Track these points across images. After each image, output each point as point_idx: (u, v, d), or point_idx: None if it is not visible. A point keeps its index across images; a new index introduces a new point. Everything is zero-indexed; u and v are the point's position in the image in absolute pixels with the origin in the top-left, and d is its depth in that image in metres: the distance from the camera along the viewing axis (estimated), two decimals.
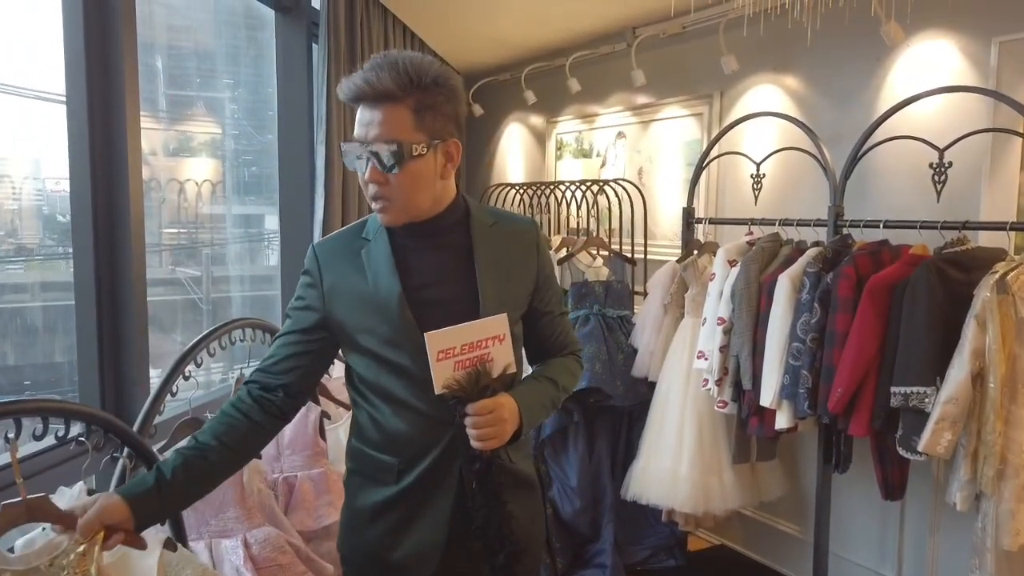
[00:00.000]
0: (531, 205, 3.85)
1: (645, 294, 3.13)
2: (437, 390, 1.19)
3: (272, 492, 1.91)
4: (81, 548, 1.08)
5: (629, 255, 3.35)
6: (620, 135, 3.80)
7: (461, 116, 1.29)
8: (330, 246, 1.36)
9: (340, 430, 2.19)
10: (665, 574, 3.01)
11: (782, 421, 2.32)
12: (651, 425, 2.80)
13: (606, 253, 3.27)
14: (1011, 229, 2.01)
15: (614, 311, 3.06)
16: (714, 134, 3.06)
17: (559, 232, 3.88)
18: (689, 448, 2.66)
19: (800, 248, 2.47)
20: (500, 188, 4.15)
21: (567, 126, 4.14)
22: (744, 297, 2.44)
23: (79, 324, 1.92)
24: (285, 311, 1.40)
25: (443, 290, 1.30)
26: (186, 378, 1.79)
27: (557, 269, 3.11)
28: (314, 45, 2.93)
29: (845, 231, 2.41)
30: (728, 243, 2.73)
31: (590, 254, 3.25)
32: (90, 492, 1.29)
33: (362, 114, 1.22)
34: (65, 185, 1.92)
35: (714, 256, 2.68)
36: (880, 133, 2.33)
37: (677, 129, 3.48)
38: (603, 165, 3.91)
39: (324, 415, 2.15)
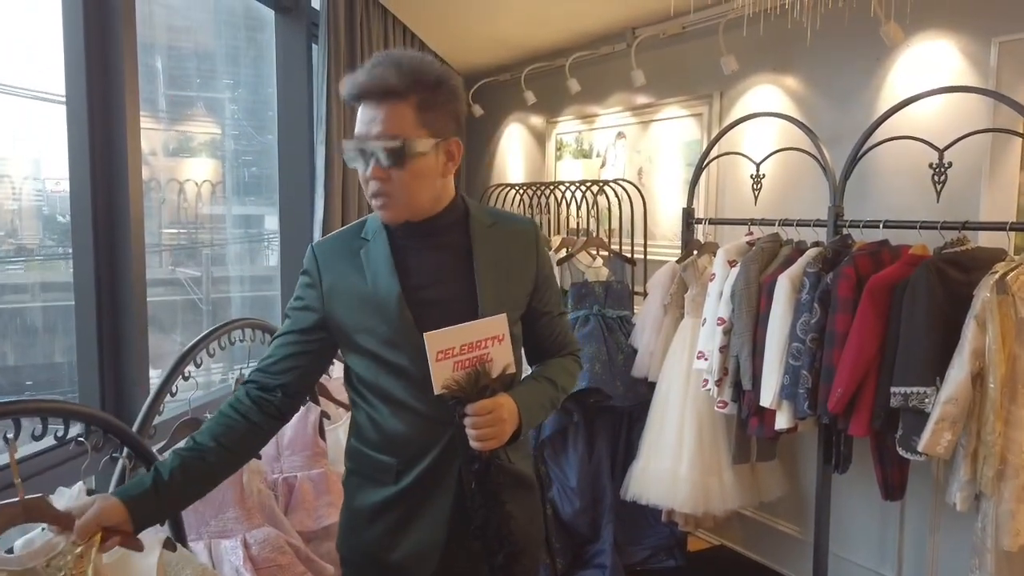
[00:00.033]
0: (531, 205, 3.85)
1: (645, 294, 3.13)
2: (436, 390, 1.19)
3: (272, 492, 1.91)
4: (78, 550, 1.08)
5: (629, 255, 3.35)
6: (620, 135, 3.81)
7: (462, 115, 1.30)
8: (329, 246, 1.36)
9: (340, 430, 2.19)
10: (665, 574, 3.01)
11: (782, 421, 2.32)
12: (651, 425, 2.80)
13: (606, 253, 3.26)
14: (1011, 229, 2.01)
15: (614, 311, 3.06)
16: (714, 134, 3.06)
17: (559, 232, 3.88)
18: (689, 448, 2.66)
19: (800, 248, 2.47)
20: (500, 188, 4.15)
21: (567, 126, 4.14)
22: (744, 297, 2.44)
23: (79, 324, 1.92)
24: (284, 311, 1.40)
25: (442, 290, 1.30)
26: (185, 378, 1.79)
27: (557, 269, 3.11)
28: (314, 45, 2.93)
29: (845, 231, 2.41)
30: (728, 243, 2.72)
31: (590, 254, 3.25)
32: (89, 492, 1.29)
33: (364, 111, 1.22)
34: (65, 185, 1.92)
35: (714, 256, 2.68)
36: (880, 133, 2.33)
37: (677, 129, 3.48)
38: (603, 165, 3.91)
39: (324, 415, 2.15)
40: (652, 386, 2.87)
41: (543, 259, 1.43)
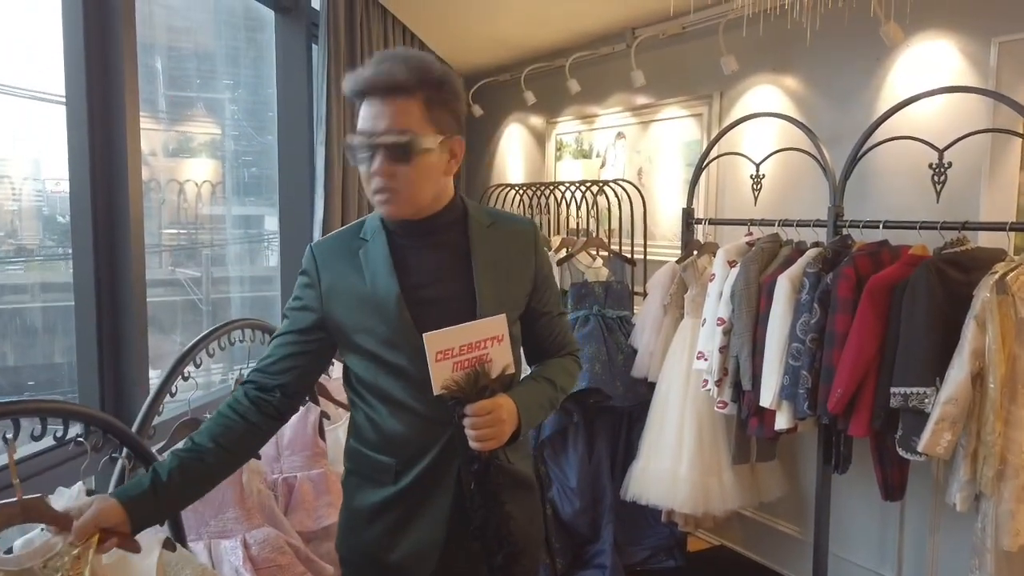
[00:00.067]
0: (531, 206, 3.85)
1: (645, 295, 3.13)
2: (436, 391, 1.19)
3: (272, 493, 1.91)
4: (75, 551, 1.07)
5: (629, 256, 3.35)
6: (620, 136, 3.81)
7: (463, 115, 1.30)
8: (328, 246, 1.36)
9: (340, 430, 2.19)
10: (665, 575, 3.01)
11: (782, 422, 2.32)
12: (651, 426, 2.80)
13: (606, 254, 3.26)
14: (1011, 229, 2.01)
15: (614, 312, 3.06)
16: (714, 135, 3.06)
17: (559, 233, 3.88)
18: (689, 449, 2.66)
19: (800, 249, 2.47)
20: (500, 189, 4.15)
21: (567, 127, 4.14)
22: (744, 298, 2.43)
23: (78, 325, 1.92)
24: (283, 311, 1.40)
25: (440, 290, 1.30)
26: (185, 378, 1.79)
27: (557, 270, 3.11)
28: (314, 46, 2.94)
29: (845, 231, 2.41)
30: (728, 244, 2.72)
31: (590, 255, 3.25)
32: (89, 493, 1.29)
33: (370, 107, 1.22)
34: (65, 186, 1.92)
35: (714, 257, 2.68)
36: (880, 133, 2.33)
37: (677, 130, 3.48)
38: (603, 166, 3.91)
39: (324, 415, 2.15)
40: (652, 386, 2.87)
41: (542, 259, 1.42)
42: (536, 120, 4.36)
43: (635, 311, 3.17)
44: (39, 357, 2.45)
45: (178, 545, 1.35)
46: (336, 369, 2.22)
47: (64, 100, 1.86)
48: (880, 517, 2.69)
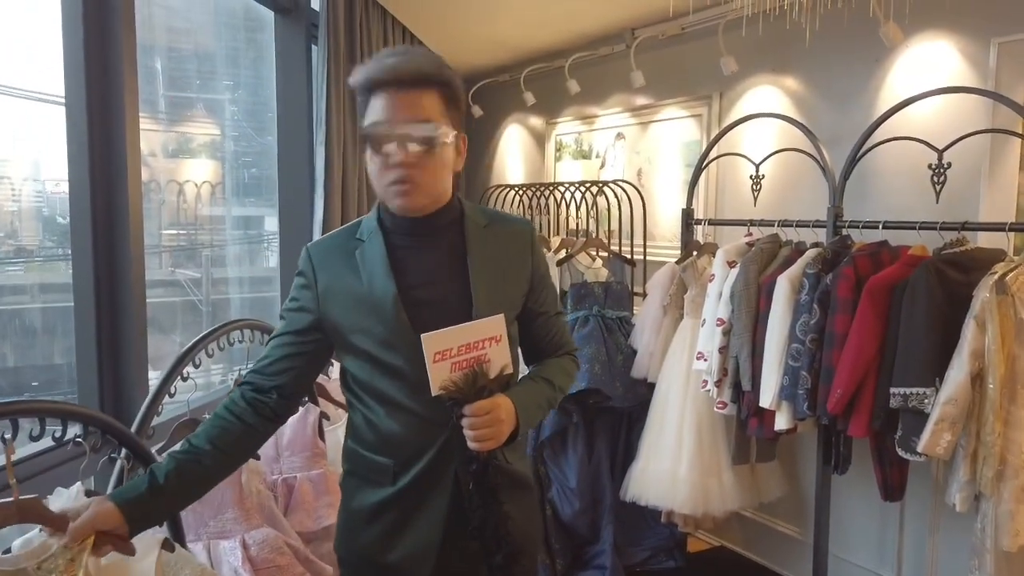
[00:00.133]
0: (530, 206, 3.85)
1: (644, 295, 3.13)
2: (434, 391, 1.19)
3: (271, 493, 1.91)
4: (70, 554, 1.07)
5: (628, 256, 3.35)
6: (619, 136, 3.81)
7: (464, 114, 1.32)
8: (324, 247, 1.36)
9: (339, 431, 2.19)
10: (665, 575, 3.01)
11: (781, 422, 2.32)
12: (650, 426, 2.80)
13: (605, 254, 3.26)
14: (1010, 230, 2.01)
15: (613, 312, 3.06)
16: (713, 135, 3.06)
17: (559, 233, 3.88)
18: (688, 449, 2.66)
19: (799, 249, 2.47)
20: (499, 189, 4.15)
21: (566, 127, 4.14)
22: (743, 298, 2.43)
23: (78, 326, 1.91)
24: (280, 312, 1.40)
25: (436, 290, 1.30)
26: (184, 379, 1.78)
27: (557, 271, 3.11)
28: (313, 46, 2.94)
29: (844, 232, 2.41)
30: (727, 244, 2.72)
31: (589, 255, 3.25)
32: (88, 493, 1.29)
33: (392, 97, 1.21)
34: (65, 187, 1.91)
35: (713, 257, 2.68)
36: (879, 134, 2.33)
37: (676, 130, 3.49)
38: (602, 166, 3.92)
39: (323, 416, 2.15)
40: (652, 387, 2.87)
41: (539, 259, 1.43)
42: (536, 121, 4.36)
43: (635, 312, 3.17)
44: (39, 358, 2.45)
45: (177, 545, 1.35)
46: (335, 370, 2.22)
47: (64, 101, 1.86)
48: (880, 517, 2.69)
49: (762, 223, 2.64)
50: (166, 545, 1.28)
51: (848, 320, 2.14)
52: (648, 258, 3.42)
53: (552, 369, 1.44)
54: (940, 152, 2.16)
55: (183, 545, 1.52)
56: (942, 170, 2.16)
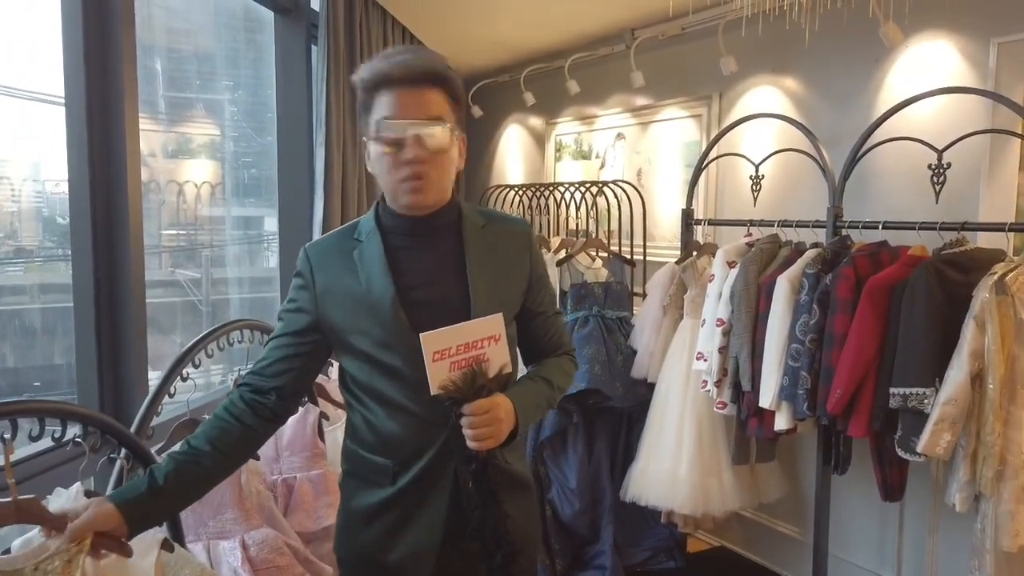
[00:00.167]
0: (530, 207, 3.85)
1: (644, 295, 3.13)
2: (433, 391, 1.19)
3: (271, 493, 1.91)
4: (67, 555, 1.07)
5: (628, 256, 3.35)
6: (619, 136, 3.81)
7: None
8: (322, 247, 1.36)
9: (339, 431, 2.19)
10: (664, 575, 3.01)
11: (781, 422, 2.32)
12: (650, 426, 2.80)
13: (605, 254, 3.26)
14: (1010, 230, 2.01)
15: (613, 312, 3.06)
16: (713, 135, 3.06)
17: (558, 234, 3.88)
18: (688, 449, 2.66)
19: (799, 249, 2.47)
20: (499, 190, 4.15)
21: (566, 128, 4.14)
22: (743, 298, 2.43)
23: (78, 326, 1.92)
24: (278, 314, 1.40)
25: (434, 291, 1.30)
26: (184, 379, 1.79)
27: (556, 271, 3.11)
28: (313, 47, 2.94)
29: (844, 232, 2.41)
30: (727, 244, 2.72)
31: (589, 255, 3.25)
32: (88, 494, 1.29)
33: (404, 95, 1.22)
34: (65, 187, 1.91)
35: (713, 257, 2.68)
36: (879, 134, 2.33)
37: (676, 130, 3.49)
38: (602, 166, 3.92)
39: (323, 416, 2.15)
40: (651, 387, 2.87)
41: (536, 259, 1.43)
42: (535, 121, 4.36)
43: (635, 312, 3.17)
44: (39, 358, 2.45)
45: (176, 545, 1.35)
46: (335, 370, 2.21)
47: (64, 101, 1.86)
48: (880, 518, 2.69)
49: (762, 223, 2.64)
50: (165, 545, 1.28)
51: (848, 320, 2.14)
52: (648, 258, 3.42)
53: (551, 369, 1.44)
54: (940, 152, 2.16)
55: (183, 545, 1.52)
56: (942, 170, 2.16)
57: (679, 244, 3.04)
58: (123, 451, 1.49)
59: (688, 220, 2.99)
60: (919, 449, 1.92)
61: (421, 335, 1.17)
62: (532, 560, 1.45)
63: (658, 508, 2.74)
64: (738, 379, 2.46)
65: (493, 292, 1.32)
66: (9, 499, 1.13)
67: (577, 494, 2.93)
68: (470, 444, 1.20)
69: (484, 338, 1.21)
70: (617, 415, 3.04)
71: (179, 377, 1.77)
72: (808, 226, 2.50)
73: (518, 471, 1.39)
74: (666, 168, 3.55)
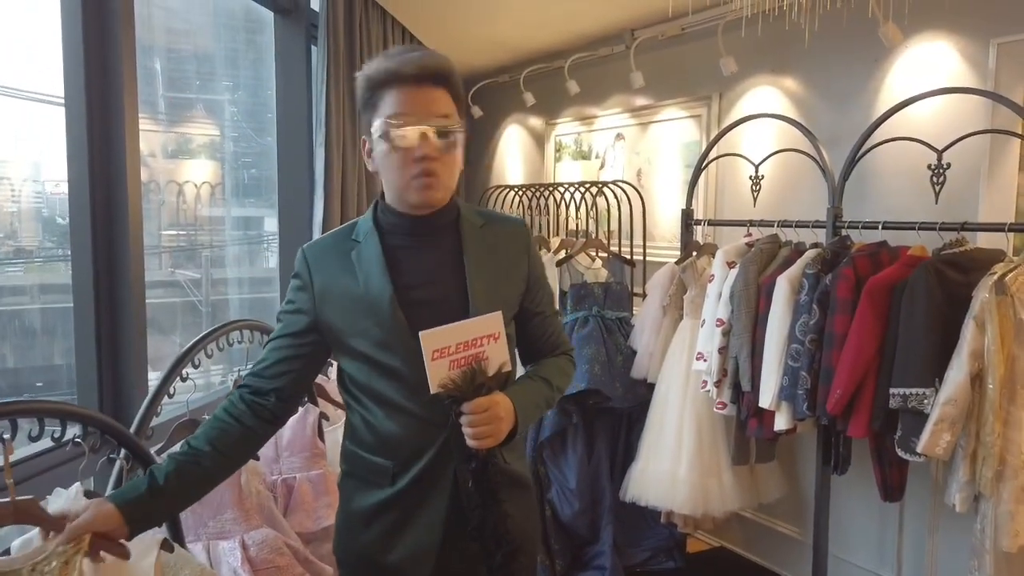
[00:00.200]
0: (530, 207, 3.85)
1: (644, 296, 3.13)
2: (432, 389, 1.18)
3: (271, 494, 1.91)
4: (64, 556, 1.06)
5: (628, 257, 3.35)
6: (619, 137, 3.81)
7: None
8: (320, 248, 1.36)
9: (339, 431, 2.18)
10: None
11: (781, 422, 2.32)
12: (650, 427, 2.80)
13: (605, 255, 3.27)
14: (1009, 230, 2.01)
15: (613, 313, 3.06)
16: (713, 136, 3.07)
17: (558, 234, 3.88)
18: (688, 450, 2.66)
19: (799, 249, 2.47)
20: (499, 190, 4.15)
21: (566, 128, 4.14)
22: (743, 298, 2.43)
23: (77, 326, 1.92)
24: (277, 315, 1.40)
25: (433, 291, 1.30)
26: (183, 380, 1.78)
27: (556, 271, 3.11)
28: (313, 47, 2.94)
29: (844, 232, 2.41)
30: (727, 244, 2.72)
31: (589, 256, 3.25)
32: (87, 494, 1.28)
33: (417, 92, 1.23)
34: (65, 187, 1.91)
35: (713, 257, 2.68)
36: (878, 134, 2.33)
37: (676, 131, 3.49)
38: (602, 167, 3.92)
39: (323, 416, 2.15)
40: (651, 387, 2.87)
41: (534, 259, 1.43)
42: (535, 121, 4.36)
43: (634, 312, 3.17)
44: (38, 359, 2.45)
45: (176, 546, 1.35)
46: (335, 370, 2.21)
47: (63, 101, 1.86)
48: (879, 518, 2.69)
49: (762, 223, 2.64)
50: (165, 545, 1.28)
51: (847, 320, 2.14)
52: (648, 259, 3.42)
53: (549, 369, 1.44)
54: (939, 152, 2.16)
55: (182, 545, 1.52)
56: (941, 170, 2.17)
57: (679, 244, 3.04)
58: (123, 451, 1.49)
59: (688, 220, 2.99)
60: (919, 449, 1.92)
61: (420, 333, 1.17)
62: (532, 560, 1.45)
63: (658, 508, 2.74)
64: (738, 379, 2.46)
65: (492, 292, 1.32)
66: (8, 500, 1.13)
67: (577, 494, 2.93)
68: (470, 443, 1.20)
69: (483, 336, 1.21)
70: (617, 415, 3.04)
71: (179, 377, 1.77)
72: (808, 226, 2.50)
73: (517, 471, 1.39)
74: (666, 168, 3.55)
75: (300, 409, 2.03)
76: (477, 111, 4.40)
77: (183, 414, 1.82)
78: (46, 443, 1.44)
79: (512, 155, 4.59)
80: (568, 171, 4.13)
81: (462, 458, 1.26)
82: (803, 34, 2.55)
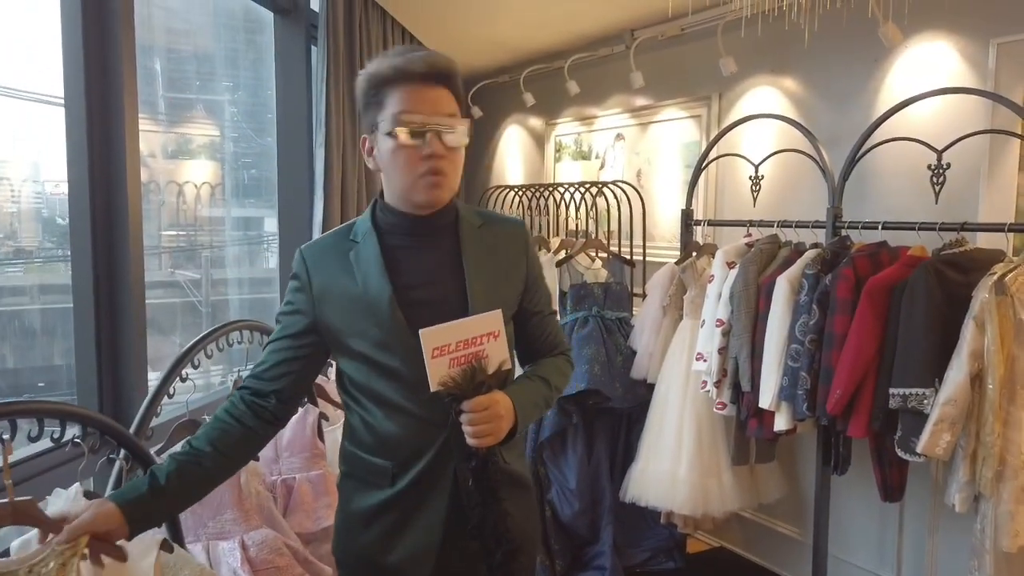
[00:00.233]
0: (530, 207, 3.85)
1: (644, 296, 3.13)
2: (432, 387, 1.18)
3: (270, 494, 1.91)
4: (62, 558, 1.06)
5: (628, 257, 3.35)
6: (619, 137, 3.81)
7: None
8: (318, 248, 1.36)
9: (338, 432, 2.17)
10: None
11: (781, 423, 2.32)
12: (650, 427, 2.80)
13: (605, 255, 3.27)
14: (1009, 230, 2.01)
15: (613, 313, 3.06)
16: (713, 136, 3.07)
17: (558, 234, 3.88)
18: (688, 450, 2.66)
19: (799, 250, 2.47)
20: (499, 190, 4.15)
21: (566, 128, 4.14)
22: (743, 299, 2.43)
23: (77, 327, 1.92)
24: (276, 316, 1.39)
25: (432, 291, 1.30)
26: (183, 380, 1.78)
27: (556, 271, 3.11)
28: (313, 48, 2.94)
29: (844, 232, 2.41)
30: (727, 245, 2.72)
31: (589, 256, 3.25)
32: (87, 494, 1.29)
33: (425, 91, 1.24)
34: (64, 188, 1.91)
35: (713, 258, 2.68)
36: (878, 135, 2.33)
37: (676, 131, 3.49)
38: (602, 167, 3.92)
39: (322, 417, 2.15)
40: (651, 387, 2.87)
41: (533, 259, 1.43)
42: (535, 121, 4.36)
43: (634, 312, 3.17)
44: (38, 359, 2.45)
45: (176, 546, 1.35)
46: (334, 370, 2.22)
47: (63, 102, 1.86)
48: (879, 518, 2.69)
49: (761, 224, 2.64)
50: (165, 546, 1.28)
51: (847, 321, 2.14)
52: (647, 259, 3.41)
53: (548, 368, 1.44)
54: (939, 153, 2.16)
55: (182, 546, 1.52)
56: (941, 171, 2.16)
57: (679, 244, 3.04)
58: (122, 452, 1.49)
59: (688, 220, 2.99)
60: (919, 449, 1.92)
61: (420, 331, 1.16)
62: (531, 559, 1.45)
63: (658, 509, 2.74)
64: (738, 380, 2.46)
65: (491, 292, 1.32)
66: (6, 501, 1.13)
67: (577, 495, 2.93)
68: (470, 441, 1.20)
69: (483, 334, 1.21)
70: (617, 416, 3.04)
71: (178, 378, 1.77)
72: (808, 226, 2.50)
73: (517, 471, 1.39)
74: (666, 168, 3.55)
75: (300, 410, 2.03)
76: (477, 111, 4.41)
77: (183, 414, 1.82)
78: (45, 443, 1.44)
79: (512, 155, 4.59)
80: (568, 171, 4.13)
81: (462, 456, 1.26)
82: (803, 34, 2.55)
